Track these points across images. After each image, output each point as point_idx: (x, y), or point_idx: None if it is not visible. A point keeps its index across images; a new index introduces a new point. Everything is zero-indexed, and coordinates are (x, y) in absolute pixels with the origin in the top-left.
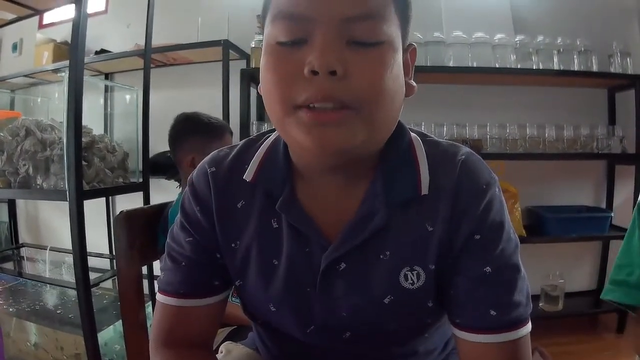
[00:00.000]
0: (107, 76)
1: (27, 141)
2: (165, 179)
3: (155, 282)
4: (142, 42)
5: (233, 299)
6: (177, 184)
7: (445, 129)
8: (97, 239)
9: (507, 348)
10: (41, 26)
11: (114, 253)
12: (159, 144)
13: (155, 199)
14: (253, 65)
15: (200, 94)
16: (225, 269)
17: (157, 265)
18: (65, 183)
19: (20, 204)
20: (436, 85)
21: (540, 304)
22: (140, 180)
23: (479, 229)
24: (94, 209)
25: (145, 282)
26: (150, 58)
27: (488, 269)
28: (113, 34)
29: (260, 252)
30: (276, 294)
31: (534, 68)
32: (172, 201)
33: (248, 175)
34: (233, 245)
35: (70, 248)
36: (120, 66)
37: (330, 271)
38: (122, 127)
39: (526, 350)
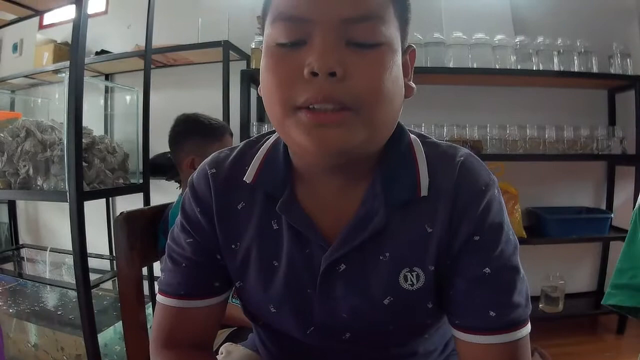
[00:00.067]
0: (108, 77)
1: (27, 142)
2: (166, 180)
3: (156, 283)
4: (142, 43)
5: (233, 300)
6: (177, 185)
7: (445, 129)
8: (97, 239)
9: (506, 349)
10: (41, 27)
11: (114, 254)
12: (159, 145)
13: (156, 200)
14: (253, 66)
15: (200, 94)
16: (225, 270)
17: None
18: (65, 184)
19: (21, 204)
20: (436, 86)
21: (541, 305)
22: (141, 181)
23: (478, 230)
24: (94, 210)
25: (146, 283)
26: (151, 59)
27: (487, 270)
28: (113, 34)
29: (260, 253)
30: (276, 295)
31: (534, 69)
32: (173, 202)
33: (248, 177)
34: (233, 246)
35: (71, 249)
36: (120, 67)
37: (330, 272)
38: (122, 128)
39: (526, 351)
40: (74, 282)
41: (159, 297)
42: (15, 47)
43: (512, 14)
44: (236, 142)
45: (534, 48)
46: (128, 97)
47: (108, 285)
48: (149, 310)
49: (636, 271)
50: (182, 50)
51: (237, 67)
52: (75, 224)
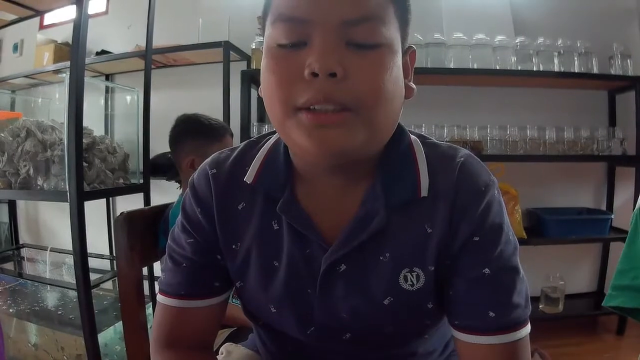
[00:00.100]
0: (108, 77)
1: (27, 142)
2: (166, 180)
3: (156, 283)
4: (142, 43)
5: (234, 300)
6: (177, 185)
7: (445, 130)
8: (98, 239)
9: (506, 350)
10: (42, 27)
11: (114, 254)
12: (160, 145)
13: (156, 200)
14: (254, 66)
15: (200, 95)
16: (225, 270)
17: (157, 266)
18: (65, 184)
19: (21, 204)
20: (437, 86)
21: (541, 306)
22: (141, 181)
23: (477, 230)
24: (95, 210)
25: (146, 283)
26: (151, 59)
27: (487, 270)
28: (114, 35)
29: (260, 254)
30: (276, 295)
31: (535, 70)
32: (173, 202)
33: (249, 177)
34: (234, 246)
35: (71, 249)
36: (121, 67)
37: (331, 272)
38: (122, 128)
39: (525, 351)
40: (74, 282)
41: (160, 297)
42: (15, 47)
43: (513, 14)
44: (236, 142)
45: (535, 49)
46: (128, 98)
47: (108, 285)
48: (149, 310)
49: (637, 272)
50: (182, 51)
51: (237, 68)
52: (76, 224)
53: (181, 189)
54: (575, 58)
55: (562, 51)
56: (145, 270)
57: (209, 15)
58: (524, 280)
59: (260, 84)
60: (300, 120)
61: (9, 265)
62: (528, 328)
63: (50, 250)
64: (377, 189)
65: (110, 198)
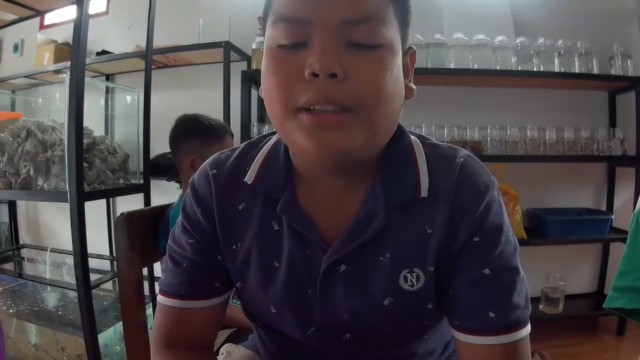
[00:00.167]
0: (108, 77)
1: (28, 142)
2: (166, 180)
3: (156, 283)
4: (143, 44)
5: (234, 300)
6: (177, 185)
7: (445, 130)
8: (98, 240)
9: (506, 350)
10: (42, 27)
11: (114, 254)
12: (160, 145)
13: (156, 200)
14: (254, 67)
15: (201, 95)
16: (226, 271)
17: (157, 267)
18: (66, 184)
19: (21, 204)
20: (437, 87)
21: (541, 306)
22: (141, 181)
23: (477, 231)
24: (95, 210)
25: (146, 284)
26: (151, 59)
27: (487, 271)
28: (114, 35)
29: (261, 254)
30: (277, 296)
31: (535, 70)
32: (173, 203)
33: (249, 178)
34: (234, 247)
35: (71, 249)
36: (121, 67)
37: (331, 273)
38: (123, 128)
39: (525, 352)
40: (75, 282)
41: (160, 298)
42: (16, 47)
43: (513, 15)
44: (237, 143)
45: (535, 49)
46: (129, 98)
47: (108, 285)
48: (149, 310)
49: (639, 274)
50: (182, 51)
51: (237, 68)
52: (76, 224)
53: (181, 190)
54: (576, 58)
55: (562, 51)
56: (145, 271)
57: (209, 15)
58: (524, 281)
59: (260, 85)
60: (301, 121)
61: (9, 266)
62: (528, 328)
63: (50, 251)
64: (377, 189)
65: (111, 198)
